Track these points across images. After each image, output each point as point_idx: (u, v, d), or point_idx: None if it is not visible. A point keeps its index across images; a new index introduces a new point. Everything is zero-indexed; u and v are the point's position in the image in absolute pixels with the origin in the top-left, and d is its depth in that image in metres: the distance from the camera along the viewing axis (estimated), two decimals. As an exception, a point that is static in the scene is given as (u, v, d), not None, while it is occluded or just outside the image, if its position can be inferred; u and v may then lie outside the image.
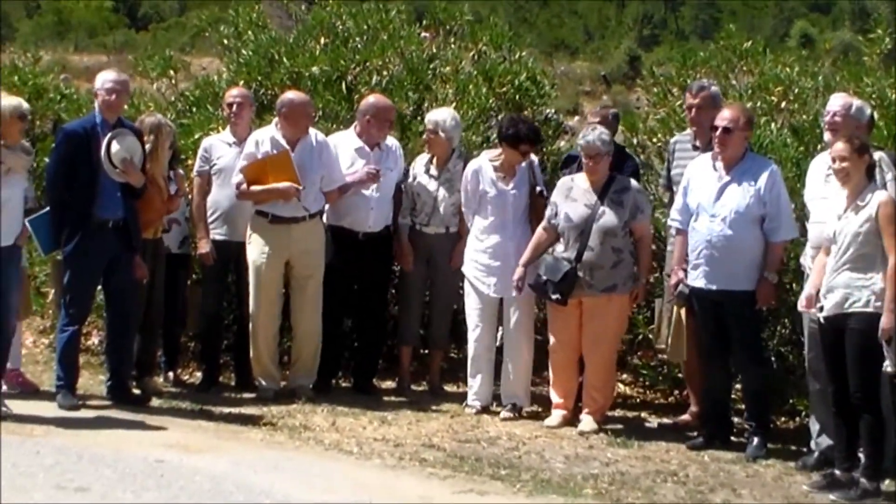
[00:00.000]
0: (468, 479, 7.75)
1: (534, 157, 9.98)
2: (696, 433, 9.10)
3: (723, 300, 8.71)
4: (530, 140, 9.72)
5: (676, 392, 10.35)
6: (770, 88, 10.75)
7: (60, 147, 9.38)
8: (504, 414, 9.67)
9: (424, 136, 10.36)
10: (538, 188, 9.80)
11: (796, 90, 10.73)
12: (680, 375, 9.90)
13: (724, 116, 8.76)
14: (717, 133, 8.72)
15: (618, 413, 9.97)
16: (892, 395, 8.10)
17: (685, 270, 8.96)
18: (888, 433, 7.91)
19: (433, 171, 10.21)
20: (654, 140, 11.01)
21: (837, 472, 7.86)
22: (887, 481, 7.85)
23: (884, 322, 7.49)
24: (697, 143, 9.39)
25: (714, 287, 8.72)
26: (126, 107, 10.09)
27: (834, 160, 7.87)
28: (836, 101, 8.64)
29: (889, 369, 7.60)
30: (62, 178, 9.30)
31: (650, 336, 9.97)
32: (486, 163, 9.90)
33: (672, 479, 8.02)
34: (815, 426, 8.52)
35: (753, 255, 8.68)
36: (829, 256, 7.84)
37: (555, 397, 9.60)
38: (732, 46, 11.73)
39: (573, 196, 9.37)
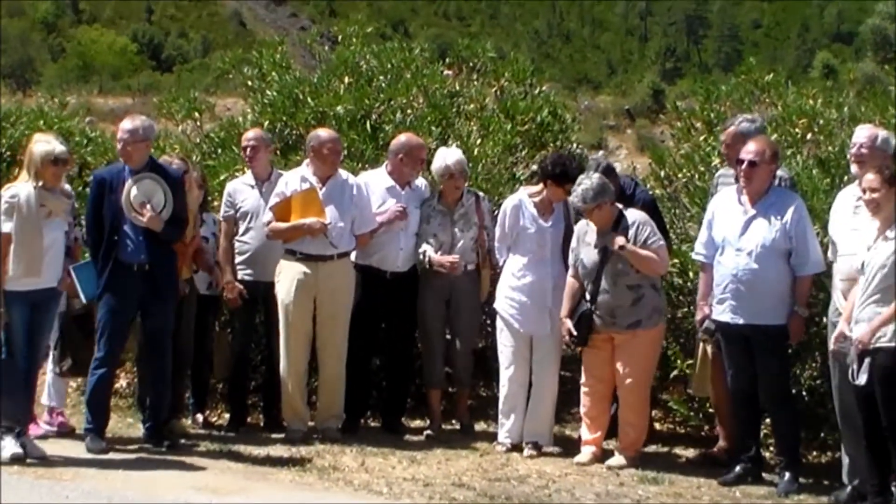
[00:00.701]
0: (499, 518, 7.72)
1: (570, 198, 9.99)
2: (727, 468, 9.03)
3: (750, 334, 8.66)
4: (576, 179, 9.64)
5: (707, 427, 10.28)
6: (794, 121, 10.71)
7: (92, 193, 9.49)
8: (527, 452, 9.63)
9: (439, 180, 10.26)
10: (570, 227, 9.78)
11: (821, 122, 10.69)
12: (711, 410, 9.84)
13: (749, 150, 8.73)
14: (743, 166, 8.70)
15: (649, 449, 9.91)
16: None
17: (710, 306, 8.93)
18: None
19: (443, 208, 10.18)
20: (680, 175, 10.98)
21: None
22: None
23: (859, 334, 7.67)
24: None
25: (741, 321, 8.68)
26: (151, 149, 10.09)
27: (864, 191, 7.86)
28: (862, 133, 8.62)
29: (860, 382, 7.66)
30: (95, 224, 9.40)
31: (686, 371, 9.91)
32: (526, 198, 9.89)
33: (704, 516, 7.97)
34: (845, 460, 8.45)
35: (780, 289, 8.63)
36: (857, 288, 7.81)
37: (586, 433, 9.57)
38: (754, 80, 11.72)
39: (587, 240, 9.39)
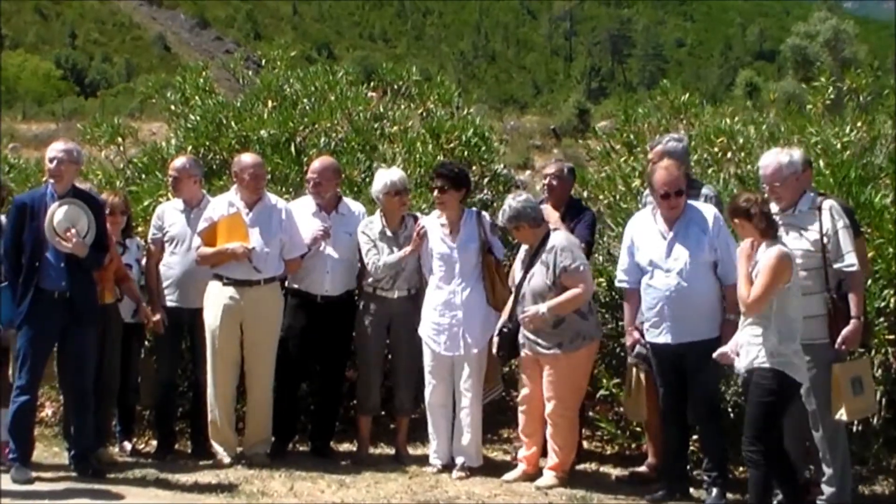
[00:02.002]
0: (428, 540, 7.72)
1: (485, 215, 10.03)
2: (655, 486, 9.09)
3: (684, 352, 8.70)
4: (441, 175, 9.75)
5: (634, 445, 10.33)
6: (712, 140, 10.83)
7: (12, 218, 9.35)
8: (456, 473, 9.64)
9: (379, 201, 10.16)
10: (489, 245, 9.79)
11: (741, 140, 10.83)
12: (638, 429, 9.91)
13: (661, 181, 8.76)
14: (668, 200, 8.75)
15: (578, 468, 9.93)
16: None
17: (639, 330, 9.00)
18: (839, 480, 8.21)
19: (388, 232, 10.08)
20: (602, 196, 11.07)
21: None
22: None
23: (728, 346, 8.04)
24: None
25: (677, 341, 8.72)
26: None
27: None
28: (768, 168, 8.60)
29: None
30: (13, 249, 9.27)
31: (613, 390, 9.96)
32: (433, 219, 9.93)
33: (632, 534, 8.02)
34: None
35: (711, 302, 8.70)
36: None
37: (522, 451, 9.63)
38: (670, 101, 11.84)
39: (521, 257, 9.48)
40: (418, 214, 10.35)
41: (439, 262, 9.79)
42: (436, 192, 9.81)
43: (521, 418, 9.63)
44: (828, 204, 8.41)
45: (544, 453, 9.59)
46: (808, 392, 8.29)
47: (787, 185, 8.48)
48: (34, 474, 9.23)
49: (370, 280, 10.11)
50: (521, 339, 9.39)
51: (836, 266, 8.33)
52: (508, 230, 9.50)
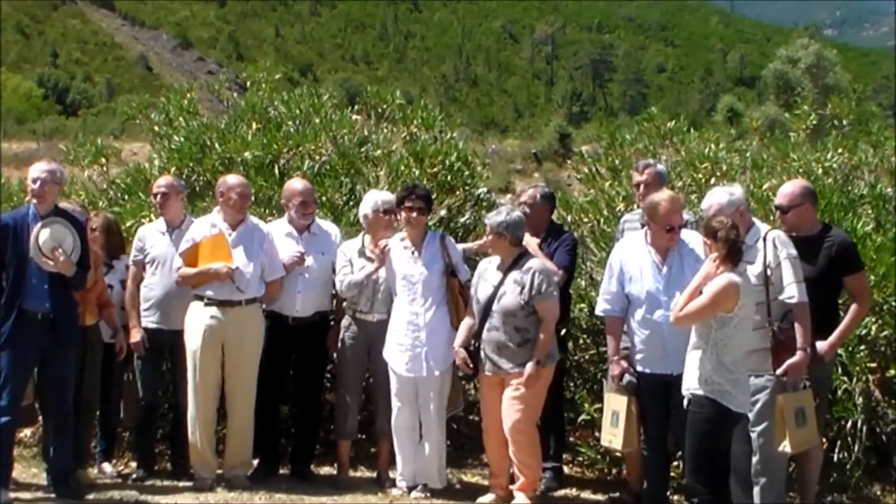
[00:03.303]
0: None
1: (449, 238, 10.05)
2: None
3: (672, 381, 8.62)
4: (420, 196, 9.75)
5: (615, 471, 10.34)
6: (697, 166, 10.86)
7: (-9, 238, 9.30)
8: (416, 494, 9.66)
9: (365, 219, 10.13)
10: (452, 268, 9.79)
11: (724, 167, 10.86)
12: (618, 454, 9.90)
13: (678, 216, 8.82)
14: (672, 233, 8.78)
15: (559, 493, 9.95)
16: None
17: (627, 358, 8.97)
18: None
19: (367, 252, 10.04)
20: (586, 220, 11.08)
21: None
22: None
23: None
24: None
25: (665, 371, 8.71)
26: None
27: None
28: (712, 207, 8.58)
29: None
30: (-7, 269, 9.23)
31: (593, 415, 9.96)
32: (396, 241, 9.91)
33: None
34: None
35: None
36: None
37: (490, 475, 9.62)
38: (656, 127, 11.88)
39: (485, 276, 9.42)
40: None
41: (403, 282, 9.78)
42: (414, 214, 9.79)
43: (486, 443, 9.61)
44: (772, 235, 8.37)
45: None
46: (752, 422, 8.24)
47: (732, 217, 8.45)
48: (13, 495, 9.19)
49: (348, 303, 10.10)
50: (481, 359, 9.36)
51: (779, 297, 8.25)
52: (486, 236, 9.44)
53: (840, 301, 8.93)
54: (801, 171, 10.56)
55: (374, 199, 10.05)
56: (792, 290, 8.19)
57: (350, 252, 10.07)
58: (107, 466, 10.45)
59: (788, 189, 8.92)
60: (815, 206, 9.06)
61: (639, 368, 8.89)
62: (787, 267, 8.25)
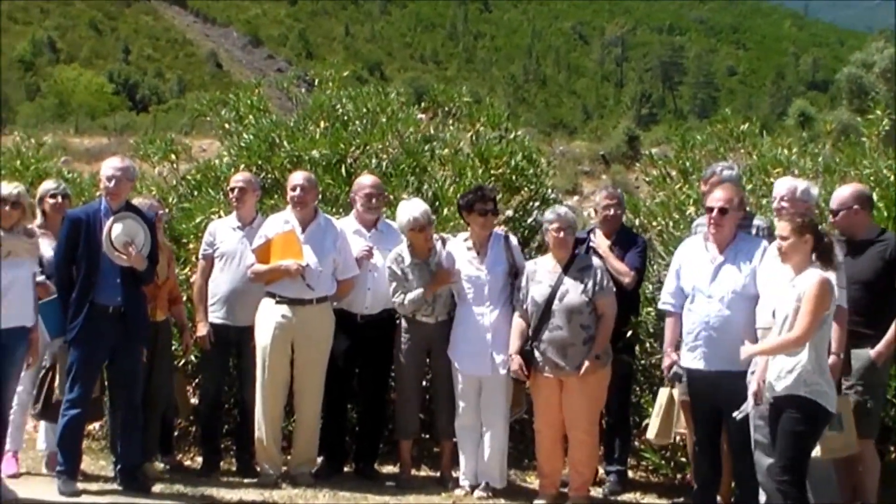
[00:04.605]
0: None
1: (513, 238, 10.04)
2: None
3: (721, 381, 8.61)
4: (491, 199, 9.79)
5: (679, 476, 10.27)
6: (769, 170, 10.76)
7: (64, 232, 9.40)
8: (478, 494, 9.67)
9: (405, 234, 10.05)
10: (516, 268, 9.78)
11: (795, 171, 10.75)
12: (683, 459, 9.84)
13: (717, 197, 8.77)
14: (714, 214, 8.73)
15: (624, 497, 9.92)
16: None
17: (677, 353, 8.94)
18: None
19: (417, 261, 9.99)
20: (654, 223, 11.02)
21: None
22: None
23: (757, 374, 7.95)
24: None
25: (713, 368, 8.66)
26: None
27: (780, 239, 7.98)
28: (782, 186, 8.70)
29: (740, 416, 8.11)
30: (65, 263, 9.33)
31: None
32: (459, 242, 9.96)
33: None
34: (762, 497, 8.39)
35: (751, 334, 8.54)
36: (771, 334, 7.95)
37: (541, 476, 9.65)
38: (729, 129, 11.78)
39: (537, 278, 9.44)
40: (446, 236, 10.31)
41: (467, 284, 9.80)
42: (487, 216, 9.80)
43: (538, 444, 9.63)
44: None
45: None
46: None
47: (797, 210, 8.41)
48: (81, 486, 9.28)
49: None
50: (538, 360, 9.37)
51: None
52: (555, 232, 9.45)
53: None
54: (871, 177, 10.42)
55: (407, 216, 9.96)
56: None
57: (404, 264, 10.00)
58: (163, 461, 10.46)
59: (840, 192, 8.95)
60: (869, 210, 9.04)
61: (683, 362, 8.88)
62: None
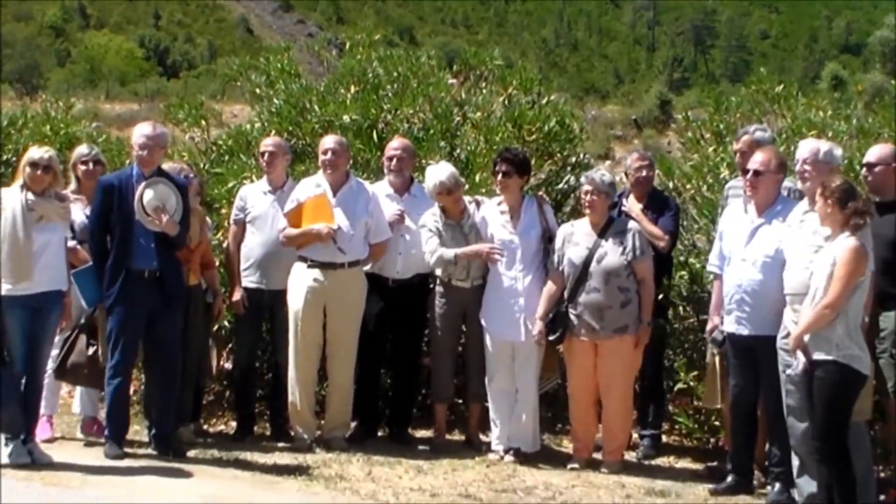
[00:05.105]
0: (505, 530, 7.69)
1: (547, 201, 10.00)
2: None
3: (755, 346, 8.61)
4: (505, 160, 9.73)
5: (714, 440, 10.24)
6: (803, 132, 10.68)
7: (97, 199, 9.41)
8: (510, 458, 9.67)
9: (433, 197, 10.06)
10: (549, 232, 9.78)
11: (830, 133, 10.66)
12: (717, 423, 9.82)
13: (755, 160, 8.74)
14: (749, 176, 8.69)
15: (657, 461, 9.91)
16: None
17: (721, 316, 8.90)
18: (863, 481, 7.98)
19: (451, 222, 9.99)
20: (689, 186, 10.96)
21: None
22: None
23: (792, 342, 7.87)
24: None
25: (746, 332, 8.65)
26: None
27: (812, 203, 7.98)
28: (805, 148, 8.60)
29: (790, 372, 8.04)
30: (99, 230, 9.37)
31: (690, 383, 9.89)
32: (493, 206, 9.95)
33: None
34: (795, 461, 8.37)
35: (783, 298, 8.47)
36: (807, 299, 7.85)
37: (574, 440, 9.70)
38: (764, 91, 11.68)
39: (574, 240, 9.44)
40: (481, 198, 10.29)
41: (500, 248, 9.77)
42: (499, 177, 9.76)
43: (571, 409, 9.68)
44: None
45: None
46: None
47: (820, 173, 8.33)
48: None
49: (443, 271, 10.07)
50: (574, 323, 9.37)
51: None
52: (589, 196, 9.42)
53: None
54: (905, 139, 10.33)
55: (433, 180, 9.93)
56: None
57: (439, 224, 9.99)
58: (192, 427, 10.41)
59: (881, 148, 8.91)
60: None
61: (723, 327, 8.86)
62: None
